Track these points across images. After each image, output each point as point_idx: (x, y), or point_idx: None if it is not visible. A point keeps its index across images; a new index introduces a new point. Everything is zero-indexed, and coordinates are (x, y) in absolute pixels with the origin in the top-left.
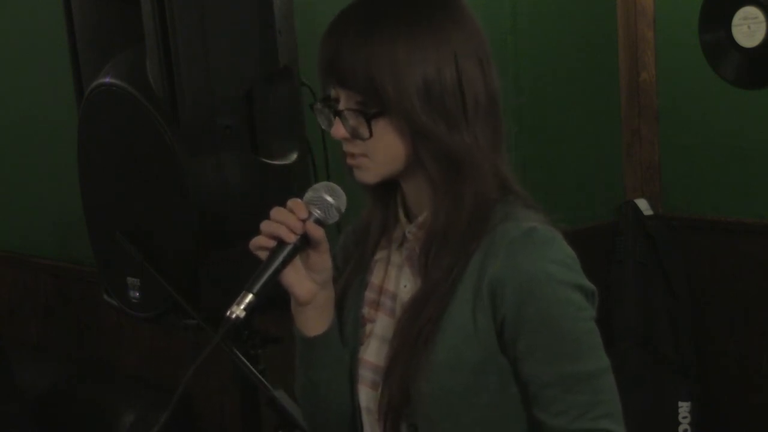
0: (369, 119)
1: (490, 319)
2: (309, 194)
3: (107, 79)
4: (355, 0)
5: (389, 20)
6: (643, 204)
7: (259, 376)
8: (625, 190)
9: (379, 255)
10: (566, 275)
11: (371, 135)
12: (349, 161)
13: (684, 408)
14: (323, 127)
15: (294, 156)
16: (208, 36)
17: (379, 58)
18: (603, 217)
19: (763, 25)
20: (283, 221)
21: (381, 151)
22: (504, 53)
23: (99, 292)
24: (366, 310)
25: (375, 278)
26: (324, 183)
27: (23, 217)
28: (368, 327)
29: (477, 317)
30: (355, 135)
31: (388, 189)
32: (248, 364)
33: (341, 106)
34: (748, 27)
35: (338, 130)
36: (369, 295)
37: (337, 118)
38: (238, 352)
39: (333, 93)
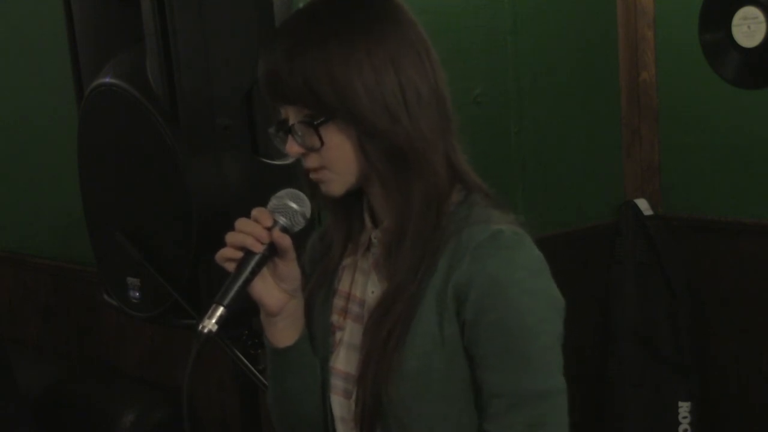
0: (317, 128)
1: (455, 323)
2: (273, 202)
3: (107, 79)
4: (285, 19)
5: (320, 29)
6: (643, 204)
7: (259, 376)
8: (625, 190)
9: (347, 261)
10: (533, 283)
11: (322, 143)
12: (313, 177)
13: (684, 408)
14: (280, 149)
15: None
16: (208, 36)
17: (314, 67)
18: (603, 217)
19: (763, 25)
20: (249, 231)
21: (336, 159)
22: (504, 53)
23: (99, 292)
24: (335, 318)
25: (343, 285)
26: (288, 190)
27: (23, 217)
28: (338, 335)
29: (443, 323)
30: (308, 147)
31: (350, 197)
32: (248, 364)
33: (291, 122)
34: (748, 27)
35: (292, 147)
36: (337, 302)
37: (289, 135)
38: (237, 352)
39: (283, 113)
